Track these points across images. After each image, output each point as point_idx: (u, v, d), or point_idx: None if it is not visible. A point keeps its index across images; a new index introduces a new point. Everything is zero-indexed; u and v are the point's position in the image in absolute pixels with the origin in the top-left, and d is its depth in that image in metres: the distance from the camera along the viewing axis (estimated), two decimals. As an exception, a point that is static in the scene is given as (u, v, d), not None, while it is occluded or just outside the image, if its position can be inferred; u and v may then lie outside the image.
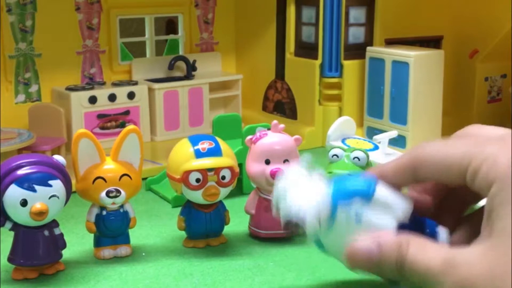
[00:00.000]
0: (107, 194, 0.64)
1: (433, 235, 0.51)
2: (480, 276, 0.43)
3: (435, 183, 0.54)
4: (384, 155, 0.90)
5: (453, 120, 1.10)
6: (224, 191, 0.67)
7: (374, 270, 0.50)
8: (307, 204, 0.51)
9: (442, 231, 0.51)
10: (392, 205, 0.51)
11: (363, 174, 0.53)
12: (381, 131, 1.01)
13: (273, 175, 0.68)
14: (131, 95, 1.10)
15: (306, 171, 0.52)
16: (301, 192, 0.51)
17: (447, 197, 0.55)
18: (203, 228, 0.69)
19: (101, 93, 1.07)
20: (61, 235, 0.63)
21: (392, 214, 0.51)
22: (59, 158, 0.63)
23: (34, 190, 0.59)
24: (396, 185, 0.52)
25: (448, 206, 0.55)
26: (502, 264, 0.42)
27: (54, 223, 0.63)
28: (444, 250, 0.46)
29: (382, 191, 0.51)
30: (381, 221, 0.50)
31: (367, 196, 0.50)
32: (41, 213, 0.59)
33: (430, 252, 0.46)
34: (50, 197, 0.60)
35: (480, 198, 0.52)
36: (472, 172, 0.46)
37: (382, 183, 0.51)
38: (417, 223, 0.52)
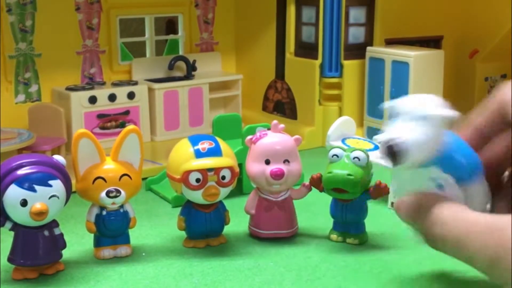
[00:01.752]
0: (107, 194, 0.64)
1: None
2: None
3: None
4: (384, 155, 0.90)
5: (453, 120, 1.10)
6: (224, 191, 0.67)
7: (412, 221, 0.52)
8: (419, 138, 0.50)
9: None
10: (473, 200, 0.52)
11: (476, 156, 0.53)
12: (381, 131, 1.01)
13: (273, 175, 0.68)
14: (131, 95, 1.09)
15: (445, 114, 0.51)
16: (420, 127, 0.50)
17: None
18: (203, 228, 0.69)
19: (101, 93, 1.07)
20: (61, 235, 0.63)
21: (470, 205, 0.51)
22: (59, 158, 0.63)
23: (34, 190, 0.59)
24: (490, 136, 0.54)
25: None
26: None
27: (54, 223, 0.63)
28: (482, 215, 0.47)
29: (477, 185, 0.52)
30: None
31: (462, 178, 0.52)
32: (41, 213, 0.59)
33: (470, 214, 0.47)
34: (50, 197, 0.60)
35: None
36: None
37: (482, 179, 0.53)
38: None
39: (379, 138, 0.52)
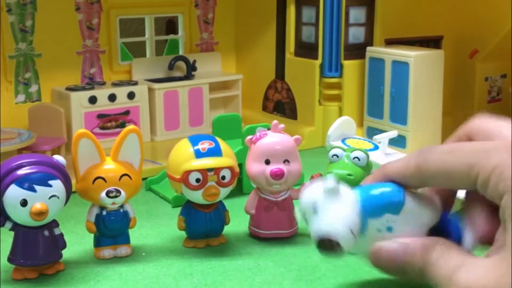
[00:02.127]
0: (107, 194, 0.64)
1: (458, 238, 0.51)
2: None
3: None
4: (384, 155, 0.90)
5: (453, 120, 1.10)
6: (224, 191, 0.67)
7: (397, 270, 0.51)
8: (338, 221, 0.50)
9: (468, 235, 0.51)
10: (421, 214, 0.52)
11: (388, 184, 0.52)
12: (381, 131, 1.01)
13: (273, 175, 0.68)
14: (131, 95, 1.09)
15: (330, 186, 0.51)
16: (330, 208, 0.51)
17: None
18: (203, 228, 0.69)
19: (101, 93, 1.07)
20: (61, 235, 0.63)
21: (421, 221, 0.52)
22: (59, 158, 0.63)
23: (34, 190, 0.59)
24: (405, 187, 0.52)
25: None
26: (507, 278, 0.42)
27: (54, 223, 0.63)
28: (460, 257, 0.47)
29: (410, 202, 0.52)
30: (410, 229, 0.52)
31: (396, 209, 0.51)
32: (41, 213, 0.59)
33: (452, 257, 0.47)
34: (50, 197, 0.60)
35: None
36: (482, 183, 0.46)
37: (408, 192, 0.52)
38: (445, 223, 0.53)
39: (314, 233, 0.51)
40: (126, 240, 0.68)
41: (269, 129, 0.71)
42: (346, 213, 0.50)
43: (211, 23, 1.27)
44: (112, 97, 1.08)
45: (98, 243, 0.67)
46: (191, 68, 1.19)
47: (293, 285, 0.61)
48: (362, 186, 0.54)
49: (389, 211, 0.51)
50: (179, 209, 0.70)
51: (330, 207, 0.51)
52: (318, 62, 1.11)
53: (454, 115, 1.14)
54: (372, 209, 0.51)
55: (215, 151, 0.67)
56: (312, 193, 0.52)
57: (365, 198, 0.52)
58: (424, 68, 1.02)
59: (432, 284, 0.48)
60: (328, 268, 0.64)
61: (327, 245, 0.51)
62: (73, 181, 0.64)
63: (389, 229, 0.52)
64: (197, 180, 0.66)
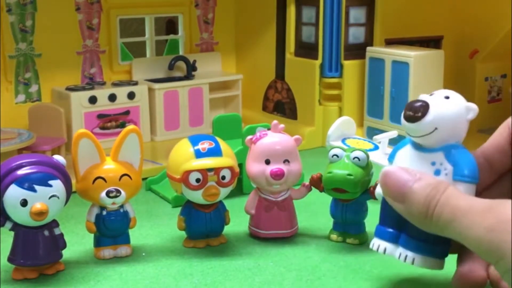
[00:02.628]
0: (107, 194, 0.64)
1: None
2: None
3: None
4: (384, 155, 0.90)
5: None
6: (224, 191, 0.67)
7: (402, 200, 0.51)
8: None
9: None
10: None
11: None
12: (381, 131, 1.01)
13: (273, 175, 0.68)
14: (131, 95, 1.10)
15: None
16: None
17: None
18: (203, 228, 0.69)
19: (101, 93, 1.07)
20: (61, 235, 0.63)
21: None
22: (59, 158, 0.63)
23: (34, 190, 0.59)
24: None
25: None
26: None
27: (54, 223, 0.63)
28: (481, 199, 0.47)
29: None
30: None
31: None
32: (41, 213, 0.59)
33: (467, 198, 0.48)
34: (50, 197, 0.60)
35: None
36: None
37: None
38: None
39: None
40: (126, 240, 0.68)
41: (269, 129, 0.71)
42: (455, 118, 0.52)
43: (211, 23, 1.27)
44: (112, 97, 1.08)
45: (98, 243, 0.67)
46: (191, 68, 1.19)
47: (293, 285, 0.61)
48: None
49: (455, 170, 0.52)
50: (179, 209, 0.70)
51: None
52: (318, 62, 1.11)
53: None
54: (453, 152, 0.52)
55: (215, 151, 0.67)
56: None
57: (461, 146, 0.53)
58: (424, 68, 1.02)
59: (435, 224, 0.48)
60: (328, 268, 0.64)
61: (417, 108, 0.52)
62: (73, 181, 0.64)
63: (437, 173, 0.52)
64: (197, 180, 0.66)
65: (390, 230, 0.56)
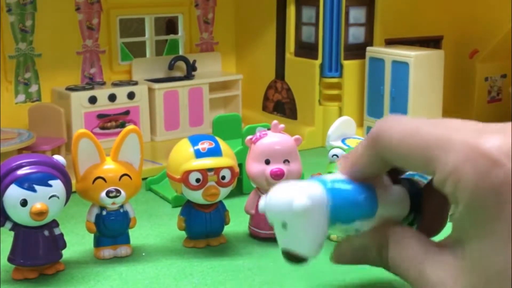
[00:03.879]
0: (107, 194, 0.64)
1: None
2: None
3: None
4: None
5: (453, 120, 1.10)
6: (224, 191, 0.67)
7: (359, 256, 0.53)
8: (307, 241, 0.49)
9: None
10: (392, 212, 0.53)
11: (361, 189, 0.51)
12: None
13: (273, 175, 0.68)
14: (131, 95, 1.10)
15: (300, 206, 0.47)
16: (300, 228, 0.48)
17: None
18: (203, 228, 0.69)
19: (101, 93, 1.07)
20: (61, 235, 0.63)
21: (390, 217, 0.53)
22: (59, 158, 0.63)
23: (34, 190, 0.59)
24: (373, 180, 0.51)
25: None
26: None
27: (54, 223, 0.62)
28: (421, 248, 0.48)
29: (382, 207, 0.51)
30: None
31: (368, 217, 0.51)
32: (41, 213, 0.59)
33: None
34: (50, 197, 0.60)
35: None
36: (438, 182, 0.43)
37: (380, 192, 0.51)
38: None
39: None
40: (126, 240, 0.68)
41: (269, 129, 0.71)
42: (316, 233, 0.49)
43: (211, 23, 1.27)
44: (112, 97, 1.08)
45: (98, 243, 0.67)
46: (191, 68, 1.19)
47: (293, 285, 0.61)
48: (335, 187, 0.50)
49: (361, 219, 0.51)
50: (179, 209, 0.70)
51: (299, 227, 0.48)
52: (318, 62, 1.11)
53: (454, 115, 1.14)
54: (343, 218, 0.50)
55: (215, 151, 0.67)
56: (280, 205, 0.48)
57: (336, 206, 0.49)
58: (424, 68, 1.02)
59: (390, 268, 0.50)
60: (328, 268, 0.64)
61: (294, 258, 0.50)
62: (73, 181, 0.64)
63: (357, 230, 0.52)
64: (197, 180, 0.66)
65: None
